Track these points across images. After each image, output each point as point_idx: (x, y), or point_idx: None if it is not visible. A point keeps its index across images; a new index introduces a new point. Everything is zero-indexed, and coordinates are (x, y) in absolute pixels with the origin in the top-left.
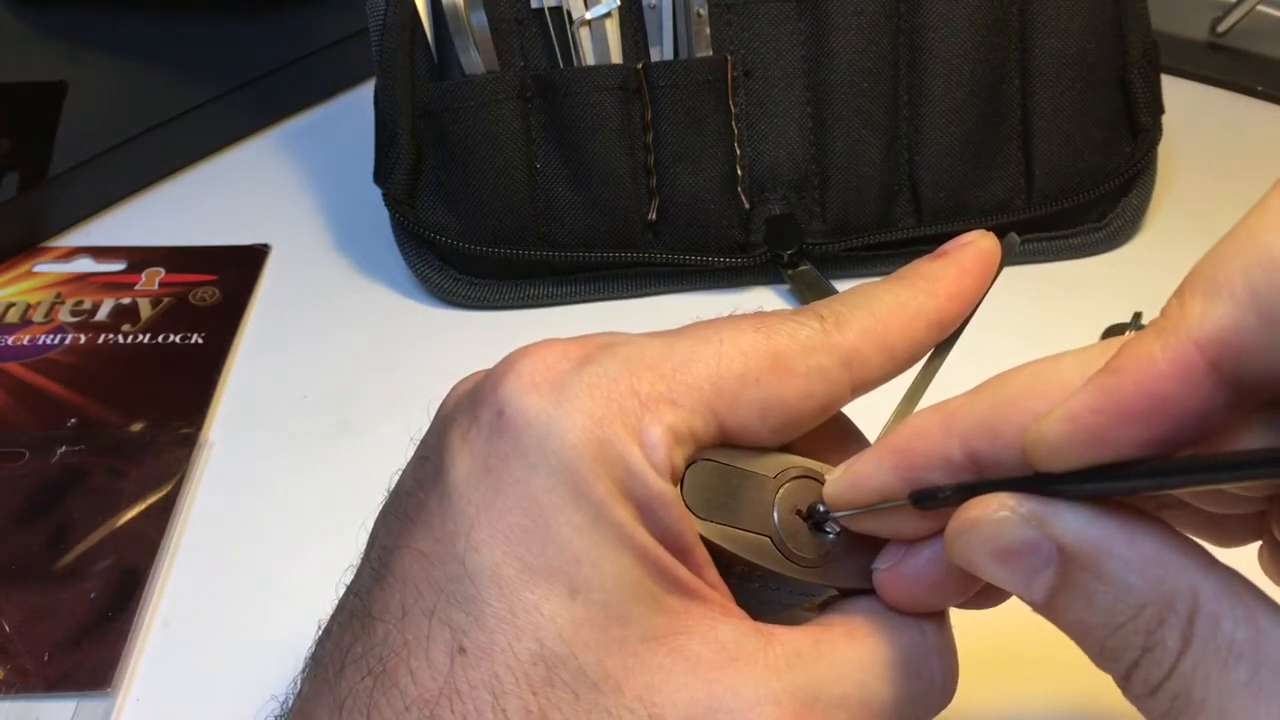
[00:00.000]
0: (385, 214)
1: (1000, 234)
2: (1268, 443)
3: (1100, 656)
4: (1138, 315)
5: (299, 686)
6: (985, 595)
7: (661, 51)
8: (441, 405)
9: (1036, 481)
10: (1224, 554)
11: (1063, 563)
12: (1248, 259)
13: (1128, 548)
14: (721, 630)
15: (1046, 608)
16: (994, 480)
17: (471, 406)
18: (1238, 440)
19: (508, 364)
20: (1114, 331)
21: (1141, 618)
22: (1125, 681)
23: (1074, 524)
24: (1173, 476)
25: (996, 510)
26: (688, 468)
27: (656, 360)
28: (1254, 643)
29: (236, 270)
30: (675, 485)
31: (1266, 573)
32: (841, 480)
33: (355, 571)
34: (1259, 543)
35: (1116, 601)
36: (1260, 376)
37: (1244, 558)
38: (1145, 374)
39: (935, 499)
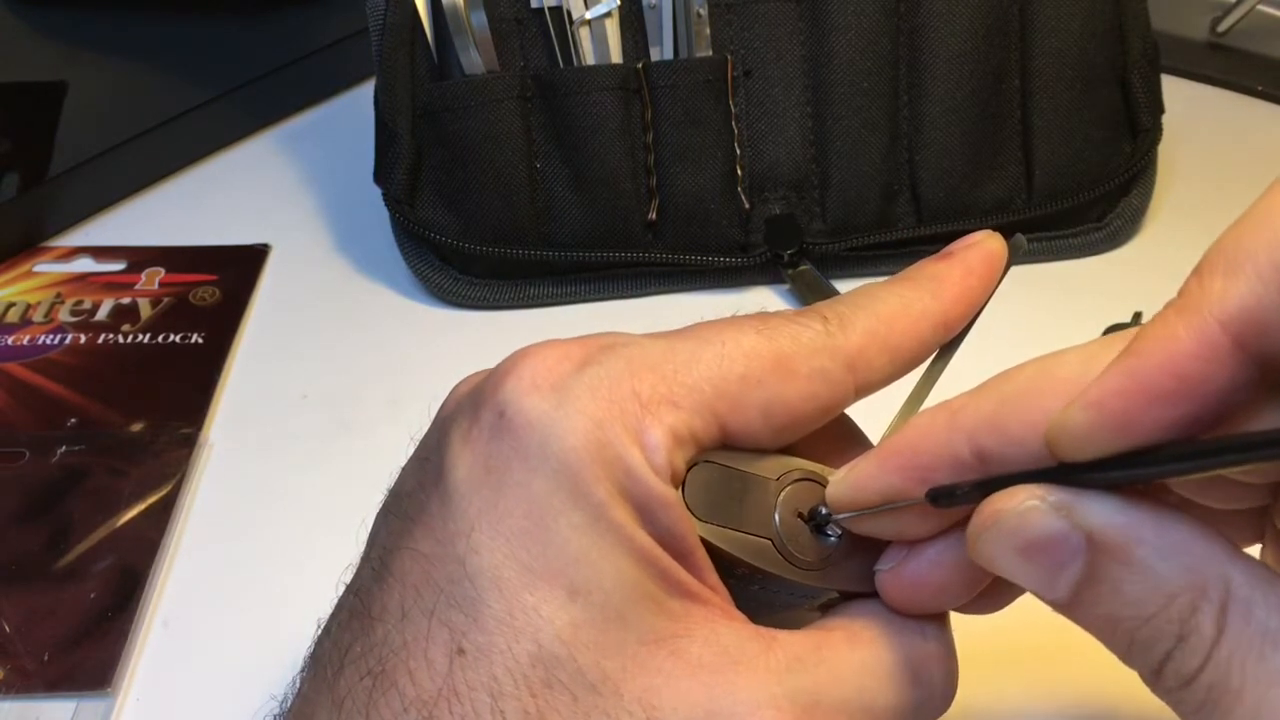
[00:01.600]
0: (385, 214)
1: (1003, 234)
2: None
3: (1130, 651)
4: (1138, 315)
5: (298, 686)
6: (987, 599)
7: (661, 51)
8: (442, 406)
9: (1058, 473)
10: None
11: (1091, 554)
12: (1270, 234)
13: (1158, 535)
14: (722, 633)
15: (1071, 604)
16: (1013, 474)
17: (473, 408)
18: (1255, 421)
19: (509, 365)
20: (1114, 331)
21: (1174, 606)
22: (1156, 675)
23: (1103, 513)
24: (1201, 459)
25: (1024, 501)
26: (689, 470)
27: (658, 362)
28: None
29: (236, 270)
30: (676, 487)
31: None
32: (844, 482)
33: (355, 571)
34: (1259, 545)
35: (1148, 591)
36: None
37: None
38: (1170, 353)
39: (954, 496)
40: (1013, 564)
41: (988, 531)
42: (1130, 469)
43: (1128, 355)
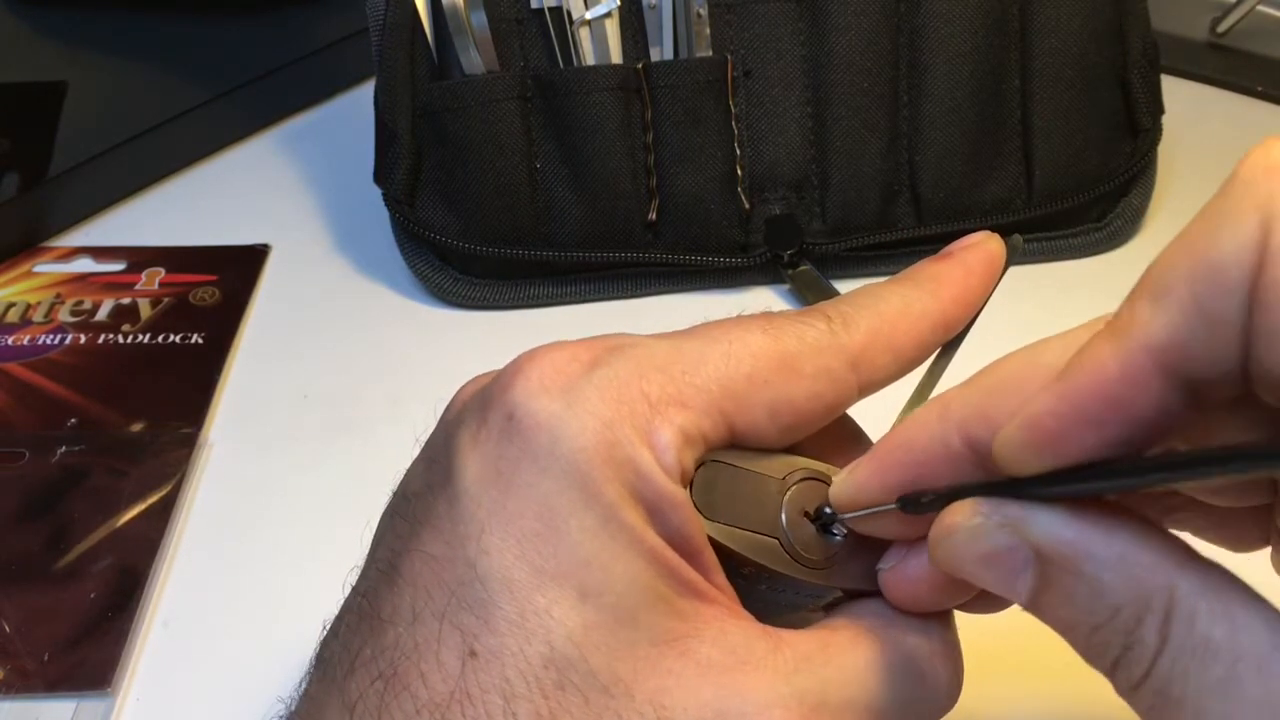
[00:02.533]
0: (385, 214)
1: (1002, 234)
2: (1245, 438)
3: (1087, 653)
4: None
5: (305, 688)
6: (990, 598)
7: (661, 51)
8: (448, 408)
9: (1012, 485)
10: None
11: (1040, 565)
12: (1192, 265)
13: (1104, 547)
14: (731, 633)
15: (1032, 607)
16: (973, 485)
17: (481, 410)
18: (1218, 436)
19: (516, 367)
20: None
21: (1120, 618)
22: (1112, 677)
23: (1048, 527)
24: (1140, 476)
25: (971, 517)
26: (697, 469)
27: (665, 362)
28: (1231, 639)
29: (236, 270)
30: (685, 487)
31: None
32: (846, 481)
33: (360, 573)
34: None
35: (1095, 601)
36: (1208, 378)
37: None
38: (1097, 379)
39: (919, 504)
40: (974, 570)
41: (944, 541)
42: (1075, 483)
43: (1060, 379)
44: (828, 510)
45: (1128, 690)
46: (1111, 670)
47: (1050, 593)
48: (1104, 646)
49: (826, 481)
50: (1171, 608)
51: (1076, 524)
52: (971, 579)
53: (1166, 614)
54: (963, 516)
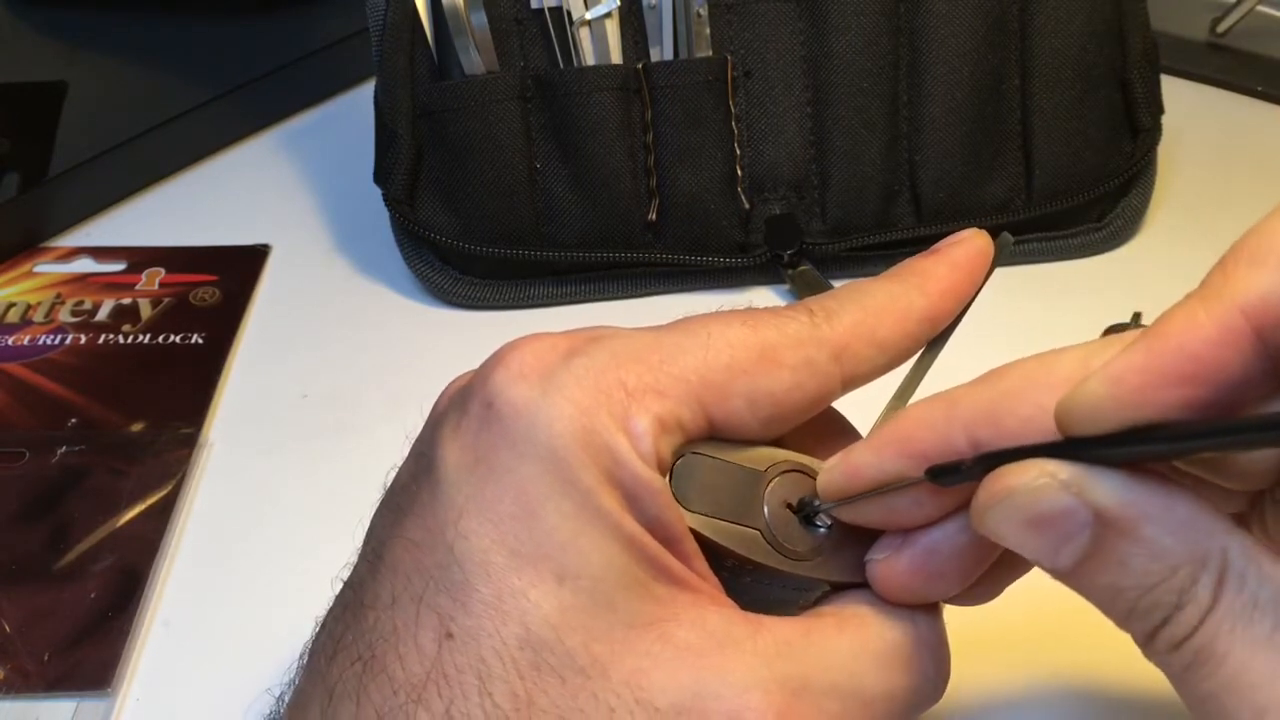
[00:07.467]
0: (385, 214)
1: (998, 234)
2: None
3: (1128, 617)
4: (1137, 315)
5: (294, 679)
6: (979, 589)
7: (661, 51)
8: (435, 404)
9: (1065, 448)
10: None
11: (1098, 528)
12: None
13: (1164, 510)
14: (710, 618)
15: (1073, 574)
16: (1018, 448)
17: (462, 401)
18: (1264, 409)
19: (497, 357)
20: (1114, 331)
21: (1176, 577)
22: (1149, 639)
23: (1112, 489)
24: (1210, 438)
25: (1035, 477)
26: (677, 460)
27: (643, 352)
28: (1275, 599)
29: (236, 270)
30: (663, 475)
31: None
32: (838, 468)
33: (352, 568)
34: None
35: (1152, 563)
36: None
37: None
38: (1191, 336)
39: (958, 473)
40: (1018, 536)
41: (998, 505)
42: (1137, 445)
43: (1149, 335)
44: (814, 502)
45: (1165, 650)
46: (1154, 630)
47: (1101, 558)
48: (1152, 608)
49: (811, 474)
50: (1225, 568)
51: (1137, 487)
52: (1016, 545)
53: (1221, 574)
54: (1024, 477)
